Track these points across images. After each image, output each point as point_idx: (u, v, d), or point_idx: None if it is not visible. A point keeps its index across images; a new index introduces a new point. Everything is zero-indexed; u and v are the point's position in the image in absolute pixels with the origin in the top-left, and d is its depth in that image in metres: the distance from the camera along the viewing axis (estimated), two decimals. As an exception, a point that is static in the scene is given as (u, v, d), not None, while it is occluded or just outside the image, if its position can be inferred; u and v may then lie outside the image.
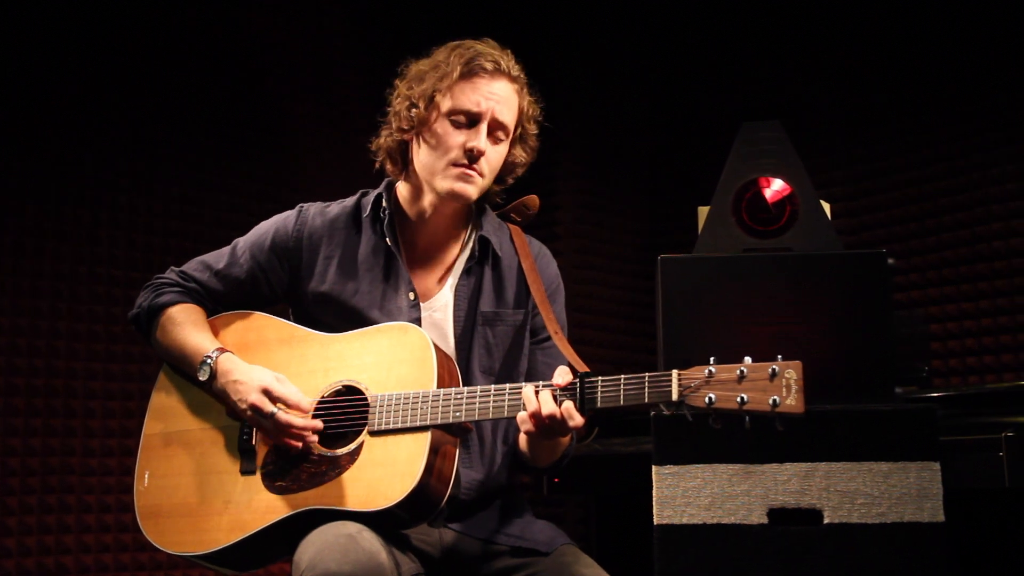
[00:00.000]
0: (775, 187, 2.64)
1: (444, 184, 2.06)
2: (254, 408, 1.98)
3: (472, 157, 2.04)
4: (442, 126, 2.05)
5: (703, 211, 2.72)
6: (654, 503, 2.33)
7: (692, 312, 2.49)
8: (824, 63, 4.31)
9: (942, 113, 3.99)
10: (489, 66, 2.05)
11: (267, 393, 1.98)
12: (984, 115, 3.89)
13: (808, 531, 2.27)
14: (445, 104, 2.04)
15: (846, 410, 2.30)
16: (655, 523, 2.32)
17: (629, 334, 4.60)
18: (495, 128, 2.07)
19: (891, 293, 2.48)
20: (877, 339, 2.44)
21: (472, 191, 2.07)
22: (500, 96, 2.06)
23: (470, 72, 2.04)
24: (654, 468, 2.34)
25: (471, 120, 2.05)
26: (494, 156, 2.09)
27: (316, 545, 1.83)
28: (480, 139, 2.04)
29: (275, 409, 1.97)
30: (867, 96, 4.21)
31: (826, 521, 2.27)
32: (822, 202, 2.66)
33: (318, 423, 1.98)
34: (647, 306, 3.85)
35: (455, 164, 2.05)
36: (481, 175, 2.07)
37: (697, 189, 2.86)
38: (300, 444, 1.97)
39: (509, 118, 2.08)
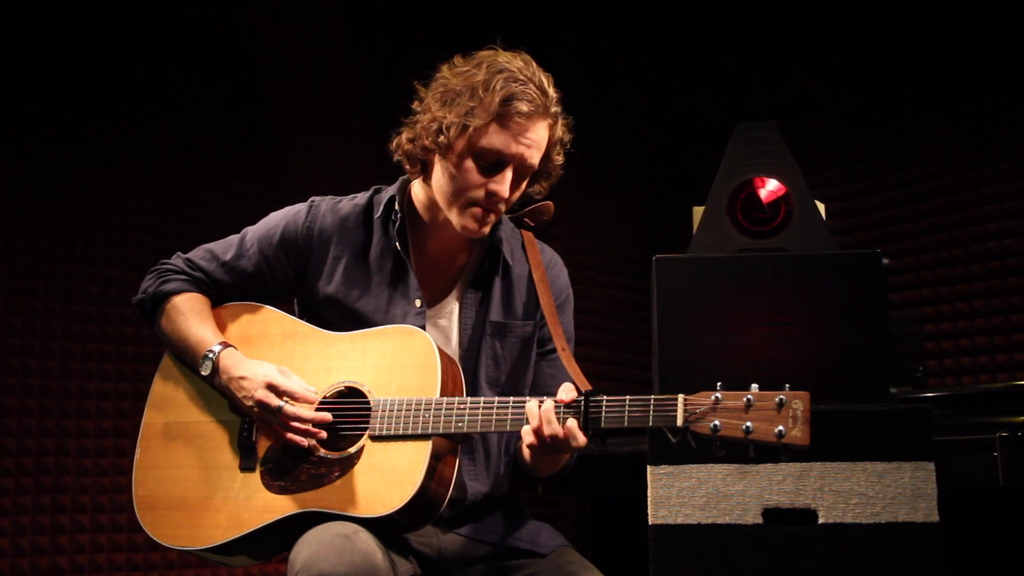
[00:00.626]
0: (770, 187, 2.64)
1: (458, 220, 2.02)
2: (260, 405, 1.96)
3: (493, 202, 2.00)
4: (467, 160, 1.98)
5: (698, 211, 2.72)
6: (649, 503, 2.33)
7: (687, 312, 2.49)
8: (819, 64, 4.32)
9: (937, 113, 3.99)
10: (526, 108, 1.95)
11: (272, 388, 1.96)
12: (979, 116, 3.89)
13: (803, 531, 2.27)
14: (475, 140, 1.96)
15: (841, 410, 2.30)
16: (650, 523, 2.32)
17: (625, 334, 4.60)
18: (520, 170, 2.01)
19: (886, 293, 2.48)
20: (872, 339, 2.44)
21: (485, 230, 2.05)
22: (533, 140, 1.98)
23: (506, 115, 1.94)
24: (649, 468, 2.34)
25: (499, 162, 1.98)
26: (514, 196, 2.05)
27: (312, 545, 1.82)
28: (504, 185, 1.99)
29: (282, 403, 1.95)
30: (862, 97, 4.21)
31: (821, 521, 2.27)
32: (817, 202, 2.66)
33: (326, 415, 1.96)
34: (643, 306, 3.85)
35: (474, 203, 2.00)
36: (497, 215, 2.05)
37: (695, 189, 2.85)
38: (306, 442, 1.95)
39: (537, 160, 2.02)
